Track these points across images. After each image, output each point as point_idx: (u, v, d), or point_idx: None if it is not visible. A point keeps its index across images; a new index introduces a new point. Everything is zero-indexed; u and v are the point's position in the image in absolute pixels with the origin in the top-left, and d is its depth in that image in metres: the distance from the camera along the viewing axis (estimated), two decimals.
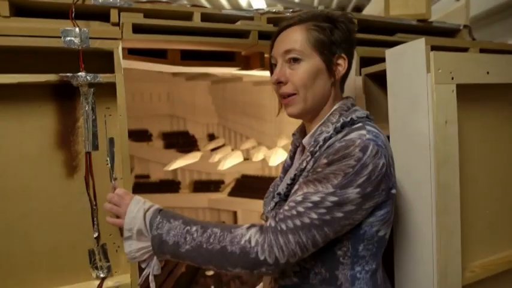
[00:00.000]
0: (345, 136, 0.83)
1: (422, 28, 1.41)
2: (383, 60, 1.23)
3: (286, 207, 0.80)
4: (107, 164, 0.98)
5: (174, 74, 4.26)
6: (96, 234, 0.98)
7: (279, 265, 0.77)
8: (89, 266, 0.99)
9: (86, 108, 0.94)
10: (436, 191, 0.93)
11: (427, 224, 0.97)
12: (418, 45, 0.99)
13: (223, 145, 4.39)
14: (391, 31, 1.39)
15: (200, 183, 4.75)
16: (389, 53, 1.10)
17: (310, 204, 0.76)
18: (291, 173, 0.96)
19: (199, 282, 3.17)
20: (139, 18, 1.00)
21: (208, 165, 4.68)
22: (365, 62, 1.28)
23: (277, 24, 1.20)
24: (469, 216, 1.02)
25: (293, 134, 1.09)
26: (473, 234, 1.03)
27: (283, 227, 0.77)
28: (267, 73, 1.29)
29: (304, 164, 0.86)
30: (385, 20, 1.33)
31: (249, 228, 0.80)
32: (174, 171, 4.24)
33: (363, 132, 0.82)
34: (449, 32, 1.47)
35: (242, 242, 0.78)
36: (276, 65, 0.91)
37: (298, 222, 0.76)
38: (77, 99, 0.94)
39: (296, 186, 0.84)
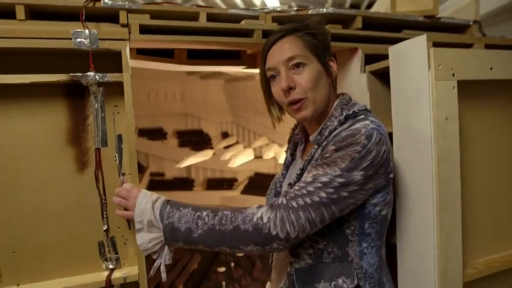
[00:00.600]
0: (350, 126, 0.90)
1: (430, 24, 1.40)
2: (387, 57, 1.24)
3: (296, 187, 0.86)
4: (115, 160, 1.02)
5: (189, 73, 4.32)
6: (105, 227, 1.03)
7: (290, 240, 0.83)
8: (99, 257, 1.04)
9: (96, 107, 0.98)
10: (436, 186, 0.93)
11: (428, 219, 0.97)
12: (419, 42, 0.99)
13: (235, 143, 4.43)
14: (398, 28, 1.38)
15: (213, 181, 4.81)
16: (392, 50, 1.11)
17: (319, 184, 0.83)
18: (297, 166, 1.03)
19: (211, 279, 3.22)
20: (146, 19, 1.03)
21: (221, 163, 4.73)
22: (371, 59, 1.29)
23: (282, 23, 1.22)
24: (471, 213, 1.01)
25: (295, 133, 1.13)
26: (476, 231, 1.03)
27: (294, 204, 0.83)
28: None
29: (312, 154, 0.93)
30: (391, 17, 1.33)
31: (259, 207, 0.86)
32: (188, 169, 4.31)
33: (367, 122, 0.89)
34: (459, 27, 1.45)
35: (254, 219, 0.83)
36: (274, 76, 0.94)
37: (308, 200, 0.83)
38: (86, 98, 0.99)
39: (305, 174, 0.90)
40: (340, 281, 0.90)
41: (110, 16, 1.14)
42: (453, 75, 0.94)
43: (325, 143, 0.91)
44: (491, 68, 1.00)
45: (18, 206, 0.95)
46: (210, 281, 3.18)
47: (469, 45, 1.14)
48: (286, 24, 1.01)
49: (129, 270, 1.05)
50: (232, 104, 5.37)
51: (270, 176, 4.93)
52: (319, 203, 0.83)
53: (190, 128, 4.82)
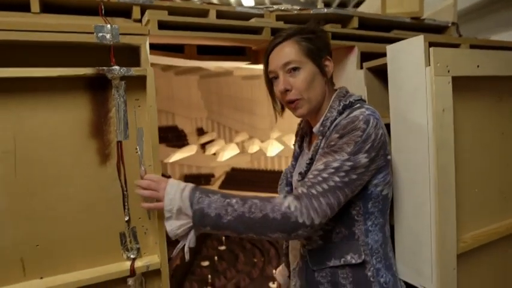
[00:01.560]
0: (348, 115, 0.99)
1: (415, 25, 1.53)
2: (381, 55, 1.35)
3: (310, 176, 0.93)
4: (137, 152, 1.05)
5: (163, 69, 4.28)
6: (127, 218, 1.06)
7: (314, 226, 0.90)
8: (120, 248, 1.07)
9: (118, 100, 1.00)
10: (435, 172, 1.04)
11: (425, 202, 1.08)
12: (417, 42, 1.10)
13: (213, 140, 4.45)
14: (388, 28, 1.50)
15: (190, 177, 4.81)
16: (389, 48, 1.21)
17: (332, 170, 0.91)
18: (305, 157, 1.11)
19: (195, 273, 3.24)
20: (164, 15, 1.06)
21: (199, 159, 4.74)
22: (364, 56, 1.39)
23: (287, 21, 1.29)
24: (461, 194, 1.14)
25: (301, 127, 1.23)
26: (465, 209, 1.16)
27: (314, 191, 0.90)
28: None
29: (318, 145, 1.02)
30: (383, 18, 1.44)
31: (285, 197, 0.92)
32: (164, 165, 4.28)
33: (363, 109, 0.98)
34: (439, 28, 1.60)
35: (283, 208, 0.89)
36: (276, 78, 1.04)
37: (325, 186, 0.90)
38: (108, 92, 1.00)
39: (315, 163, 0.98)
40: (348, 257, 1.00)
41: (122, 11, 1.16)
42: (448, 71, 1.06)
43: (328, 132, 1.00)
44: (478, 66, 1.13)
45: (42, 200, 0.96)
46: (195, 275, 3.20)
47: (456, 45, 1.28)
48: (287, 28, 1.11)
49: (150, 259, 1.09)
50: (207, 100, 5.37)
51: (247, 171, 5.03)
52: (334, 188, 0.91)
53: (165, 124, 4.78)
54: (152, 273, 1.09)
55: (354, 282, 0.99)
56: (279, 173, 4.66)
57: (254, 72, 4.17)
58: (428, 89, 1.07)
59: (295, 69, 1.01)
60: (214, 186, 4.75)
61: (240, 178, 4.80)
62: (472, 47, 1.28)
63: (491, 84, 1.23)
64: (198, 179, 4.80)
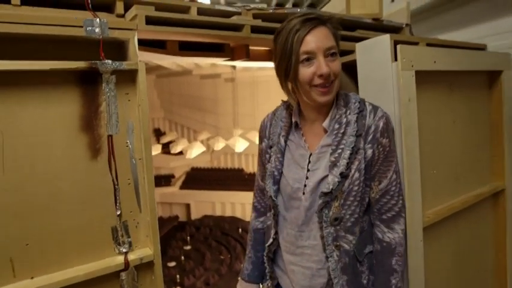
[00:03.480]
0: (372, 114, 1.03)
1: (376, 25, 1.68)
2: (347, 52, 1.47)
3: (393, 188, 1.04)
4: (127, 146, 1.06)
5: None
6: (118, 212, 1.06)
7: None
8: (112, 242, 1.07)
9: (108, 94, 1.00)
10: (405, 154, 1.17)
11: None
12: (384, 40, 1.23)
13: (174, 140, 4.40)
14: (352, 27, 1.63)
15: None
16: (359, 46, 1.33)
17: (398, 173, 1.06)
18: (299, 152, 1.08)
19: (163, 274, 3.20)
20: (151, 11, 1.08)
21: (158, 160, 4.66)
22: None
23: (264, 19, 1.36)
24: (423, 175, 1.29)
25: (292, 120, 1.13)
26: (426, 188, 1.31)
27: (402, 197, 1.06)
28: (247, 63, 1.44)
29: (351, 144, 1.00)
30: (348, 19, 1.57)
31: (392, 231, 1.05)
32: None
33: (380, 108, 1.06)
34: (395, 28, 1.76)
35: (402, 235, 1.05)
36: (309, 59, 0.98)
37: (402, 187, 1.07)
38: (98, 86, 1.00)
39: (355, 173, 1.00)
40: (369, 241, 1.09)
41: (104, 6, 1.16)
42: (412, 66, 1.20)
43: (365, 134, 1.01)
44: (435, 61, 1.28)
45: (32, 196, 0.93)
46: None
47: (416, 43, 1.43)
48: (310, 12, 1.10)
49: (142, 252, 1.10)
50: (164, 100, 5.29)
51: (207, 170, 5.03)
52: (401, 187, 1.07)
53: None
54: (144, 267, 1.10)
55: (372, 261, 1.09)
56: (239, 170, 4.77)
57: (214, 71, 4.20)
58: (395, 82, 1.20)
59: (334, 54, 1.00)
60: (175, 186, 4.70)
61: (200, 177, 4.80)
62: (428, 45, 1.45)
63: (445, 78, 1.40)
64: (158, 180, 4.72)
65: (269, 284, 1.20)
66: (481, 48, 1.72)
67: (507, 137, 1.70)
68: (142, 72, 1.01)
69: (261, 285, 1.27)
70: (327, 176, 1.01)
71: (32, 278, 0.96)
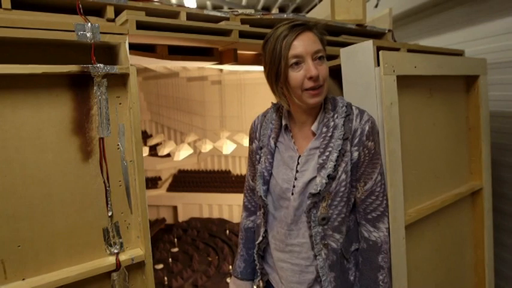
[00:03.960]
0: (358, 118, 1.08)
1: (360, 31, 1.73)
2: (332, 57, 1.52)
3: (378, 189, 1.09)
4: (118, 148, 1.08)
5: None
6: (110, 213, 1.07)
7: None
8: (103, 243, 1.08)
9: (100, 98, 1.02)
10: (387, 155, 1.23)
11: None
12: (367, 46, 1.28)
13: (161, 142, 4.39)
14: (337, 33, 1.68)
15: None
16: (343, 51, 1.38)
17: (383, 175, 1.10)
18: (288, 153, 1.12)
19: None
20: (142, 16, 1.10)
21: (145, 163, 4.63)
22: None
23: (252, 24, 1.40)
24: (404, 175, 1.34)
25: (275, 123, 1.17)
26: (408, 188, 1.37)
27: (386, 197, 1.11)
28: (235, 67, 1.47)
29: (338, 147, 1.05)
30: (333, 24, 1.62)
31: (377, 231, 1.09)
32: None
33: (366, 112, 1.10)
34: (379, 34, 1.83)
35: (387, 233, 1.10)
36: (298, 63, 1.01)
37: (386, 188, 1.13)
38: (90, 89, 1.02)
39: (342, 174, 1.04)
40: (357, 238, 1.14)
41: (94, 10, 1.18)
42: (394, 71, 1.25)
43: (337, 133, 1.05)
44: (415, 67, 1.34)
45: (23, 199, 0.94)
46: None
47: (397, 49, 1.49)
48: (294, 18, 1.17)
49: (133, 253, 1.11)
50: (151, 102, 5.27)
51: (194, 172, 5.03)
52: (385, 190, 1.12)
53: None
54: (135, 267, 1.12)
55: (358, 258, 1.13)
56: (226, 172, 4.78)
57: (201, 74, 4.21)
58: (377, 86, 1.25)
59: (321, 58, 1.03)
60: (162, 189, 4.68)
61: (187, 180, 4.80)
62: (409, 51, 1.51)
63: (425, 82, 1.47)
64: (145, 183, 4.69)
65: (260, 281, 1.23)
66: (459, 53, 1.80)
67: (484, 139, 1.78)
68: (133, 76, 1.03)
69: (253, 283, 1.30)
70: (315, 177, 1.05)
71: (24, 279, 0.96)
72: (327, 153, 1.04)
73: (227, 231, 4.00)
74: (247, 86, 3.92)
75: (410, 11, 2.31)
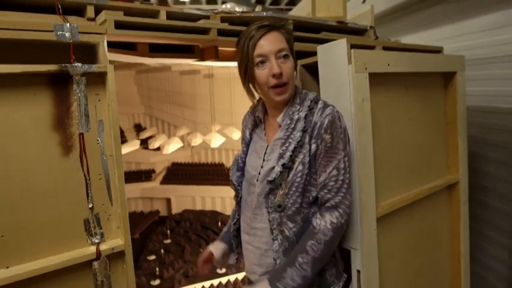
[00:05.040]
0: (320, 112, 1.12)
1: (340, 28, 1.77)
2: (313, 53, 1.56)
3: (331, 183, 1.11)
4: (98, 143, 1.12)
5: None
6: (90, 205, 1.13)
7: (349, 215, 1.15)
8: (84, 234, 1.13)
9: (79, 95, 1.07)
10: (358, 150, 1.28)
11: (354, 175, 1.32)
12: (342, 44, 1.32)
13: (154, 135, 4.44)
14: (317, 30, 1.72)
15: (131, 173, 4.74)
16: (320, 48, 1.42)
17: (342, 171, 1.12)
18: (259, 143, 1.22)
19: (142, 267, 3.26)
20: (120, 16, 1.14)
21: (139, 155, 4.69)
22: (299, 54, 1.59)
23: (231, 22, 1.44)
24: (378, 170, 1.40)
25: (256, 115, 1.28)
26: (381, 182, 1.42)
27: (342, 193, 1.11)
28: (217, 63, 1.52)
29: (286, 138, 1.12)
30: (313, 21, 1.66)
31: (321, 218, 1.10)
32: None
33: (331, 107, 1.15)
34: (360, 31, 1.87)
35: (330, 227, 1.09)
36: (263, 62, 1.09)
37: (345, 185, 1.12)
38: (69, 87, 1.06)
39: (299, 165, 1.10)
40: None
41: (75, 9, 1.21)
42: (366, 68, 1.30)
43: (310, 129, 1.10)
44: (388, 64, 1.39)
45: (6, 191, 0.99)
46: (142, 270, 3.22)
47: (372, 47, 1.53)
48: (262, 20, 1.21)
49: (114, 242, 1.17)
50: (144, 96, 5.30)
51: (188, 165, 5.08)
52: (349, 182, 1.14)
53: None
54: (115, 256, 1.17)
55: None
56: (219, 165, 4.84)
57: (193, 67, 4.24)
58: (350, 83, 1.30)
59: (285, 56, 1.10)
60: (156, 181, 4.74)
61: (181, 172, 4.86)
62: (385, 48, 1.55)
63: (400, 79, 1.51)
64: (139, 176, 4.75)
65: (236, 259, 1.38)
66: (437, 50, 1.84)
67: (461, 133, 1.84)
68: (111, 74, 1.08)
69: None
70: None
71: (8, 267, 1.02)
72: (287, 144, 1.12)
73: (219, 223, 4.07)
74: (237, 79, 3.95)
75: (397, 6, 2.34)
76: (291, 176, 1.11)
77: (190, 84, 4.51)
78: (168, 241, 3.80)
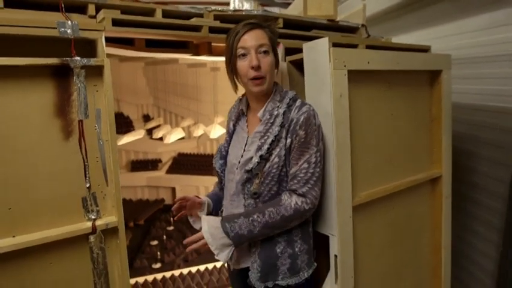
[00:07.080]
0: (297, 109, 1.23)
1: (331, 26, 1.86)
2: (301, 50, 1.65)
3: (301, 174, 1.20)
4: (95, 129, 1.25)
5: (108, 56, 4.29)
6: (88, 185, 1.25)
7: (315, 206, 1.25)
8: (82, 210, 1.26)
9: (79, 85, 1.19)
10: (335, 143, 1.37)
11: (330, 164, 1.41)
12: (324, 42, 1.41)
13: (160, 125, 4.58)
14: (309, 28, 1.81)
15: (137, 162, 4.90)
16: (305, 46, 1.51)
17: (313, 165, 1.21)
18: (241, 135, 1.33)
19: (145, 251, 3.42)
20: (117, 14, 1.26)
21: (145, 145, 4.84)
22: (289, 51, 1.69)
23: (223, 20, 1.54)
24: (356, 161, 1.49)
25: (240, 108, 1.42)
26: (359, 173, 1.52)
27: (310, 185, 1.21)
28: (210, 58, 1.63)
29: (265, 131, 1.23)
30: (304, 19, 1.75)
31: (290, 196, 1.20)
32: None
33: (307, 105, 1.26)
34: (351, 29, 1.95)
35: (293, 206, 1.19)
36: (245, 55, 1.21)
37: (314, 178, 1.23)
38: (70, 78, 1.18)
39: (275, 158, 1.21)
40: None
41: (78, 7, 1.33)
42: (345, 66, 1.39)
43: (287, 125, 1.21)
44: (368, 62, 1.48)
45: (14, 169, 1.12)
46: (144, 254, 3.38)
47: (355, 45, 1.61)
48: (250, 18, 1.32)
49: (109, 219, 1.30)
50: (152, 87, 5.44)
51: (193, 156, 5.23)
52: (319, 176, 1.25)
53: None
54: (110, 232, 1.30)
55: (291, 236, 1.28)
56: None
57: (198, 61, 4.35)
58: (330, 79, 1.39)
59: (266, 52, 1.21)
60: (162, 171, 4.90)
61: (186, 163, 5.00)
62: (368, 47, 1.63)
63: (382, 76, 1.60)
64: (145, 165, 4.91)
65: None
66: (425, 49, 1.91)
67: (445, 129, 1.91)
68: (107, 67, 1.20)
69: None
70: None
71: (14, 236, 1.16)
72: (265, 138, 1.21)
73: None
74: None
75: (387, 9, 2.41)
76: (267, 166, 1.21)
77: (195, 76, 4.63)
78: (171, 228, 3.96)
